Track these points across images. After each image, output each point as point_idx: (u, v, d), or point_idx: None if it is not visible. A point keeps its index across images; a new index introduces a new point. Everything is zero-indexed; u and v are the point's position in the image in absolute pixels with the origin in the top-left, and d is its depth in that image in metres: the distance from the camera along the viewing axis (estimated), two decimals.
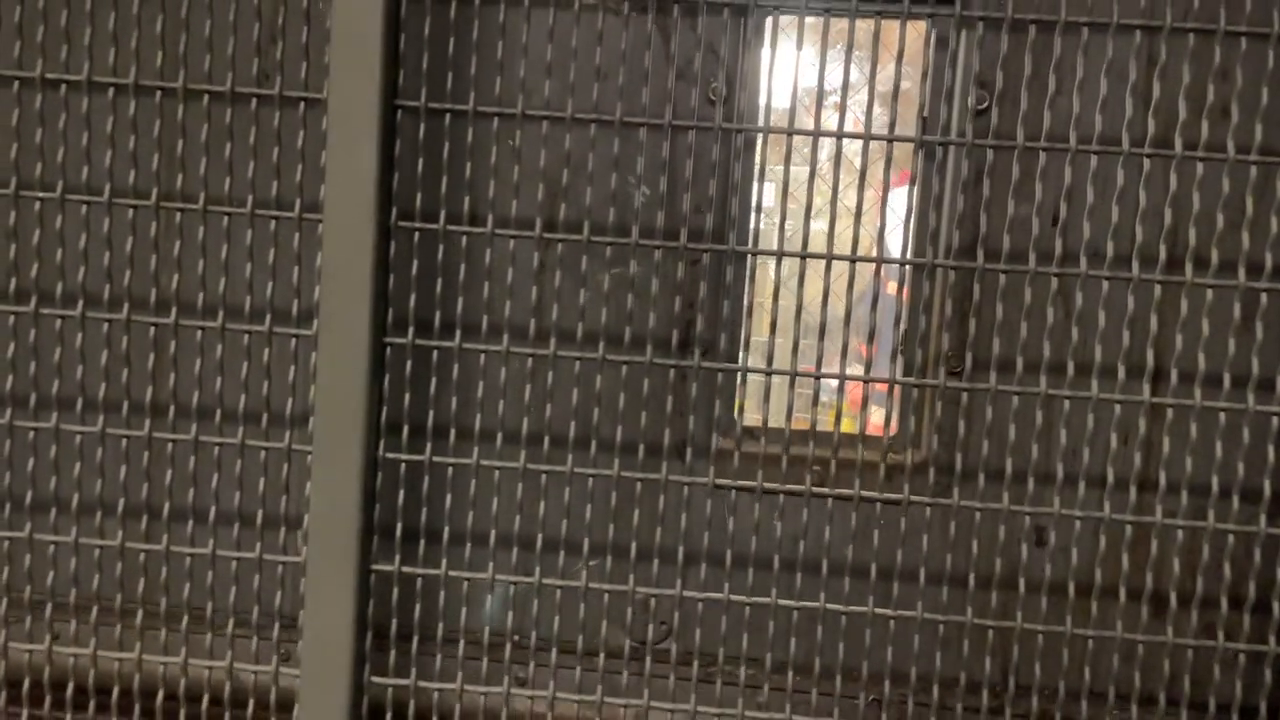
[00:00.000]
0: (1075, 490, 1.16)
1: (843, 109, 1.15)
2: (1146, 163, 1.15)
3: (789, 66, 1.16)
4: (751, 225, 1.35)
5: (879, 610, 1.16)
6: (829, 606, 1.17)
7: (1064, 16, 1.12)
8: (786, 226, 1.18)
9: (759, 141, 1.23)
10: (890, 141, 1.16)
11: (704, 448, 1.36)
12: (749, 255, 1.23)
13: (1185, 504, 1.15)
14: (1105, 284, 1.13)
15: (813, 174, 1.17)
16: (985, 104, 1.24)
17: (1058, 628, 1.15)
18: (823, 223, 1.20)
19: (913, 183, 1.27)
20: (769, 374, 1.19)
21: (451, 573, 1.22)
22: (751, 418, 1.39)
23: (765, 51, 1.27)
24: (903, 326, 1.24)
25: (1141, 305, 1.23)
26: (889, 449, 1.18)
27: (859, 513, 1.21)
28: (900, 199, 1.38)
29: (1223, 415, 1.13)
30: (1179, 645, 1.15)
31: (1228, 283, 1.11)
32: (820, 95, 1.18)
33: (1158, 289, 1.15)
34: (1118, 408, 1.15)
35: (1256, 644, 1.15)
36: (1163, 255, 1.13)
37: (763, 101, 1.26)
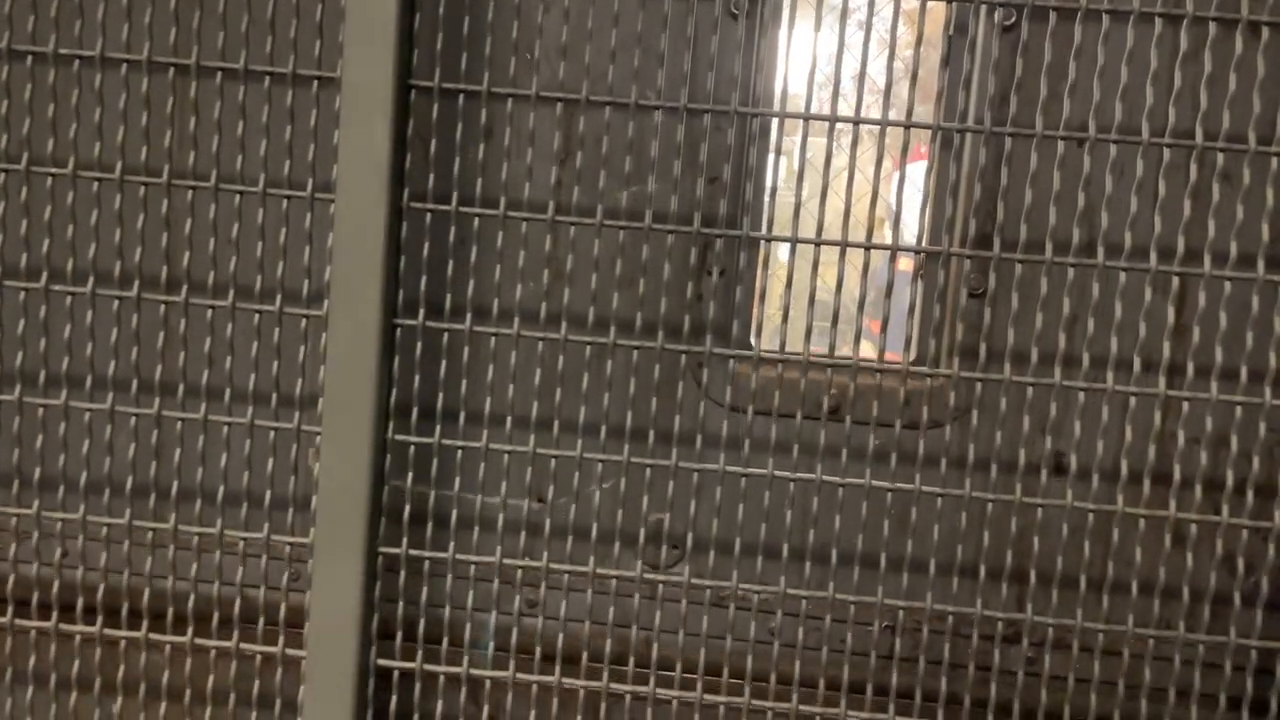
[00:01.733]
0: (1097, 416, 1.14)
1: (860, 93, 1.14)
2: (1166, 153, 1.14)
3: (806, 49, 1.15)
4: (765, 212, 1.34)
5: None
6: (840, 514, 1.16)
7: (1085, 4, 1.11)
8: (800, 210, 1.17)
9: (774, 126, 1.23)
10: (908, 128, 1.15)
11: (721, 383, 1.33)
12: (763, 241, 1.22)
13: (1209, 430, 1.14)
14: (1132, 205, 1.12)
15: (828, 161, 1.16)
16: (1012, 20, 1.22)
17: (1084, 506, 1.14)
18: (838, 203, 1.18)
19: (930, 163, 1.27)
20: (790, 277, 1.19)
21: (459, 556, 1.21)
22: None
23: (783, 33, 1.26)
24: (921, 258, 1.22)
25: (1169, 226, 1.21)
26: (908, 374, 1.17)
27: (876, 437, 1.20)
28: (919, 171, 1.36)
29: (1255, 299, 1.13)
30: (1198, 576, 1.15)
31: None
32: (838, 79, 1.17)
33: (1187, 208, 1.14)
34: (1141, 331, 1.13)
35: (1276, 570, 1.15)
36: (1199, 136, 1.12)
37: (779, 86, 1.24)
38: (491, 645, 1.31)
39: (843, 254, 1.16)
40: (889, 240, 1.17)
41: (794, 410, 1.19)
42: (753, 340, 1.30)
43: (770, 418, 1.20)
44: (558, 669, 1.20)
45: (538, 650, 1.27)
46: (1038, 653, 1.21)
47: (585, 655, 1.25)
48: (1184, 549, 1.17)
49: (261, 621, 1.25)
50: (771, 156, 1.24)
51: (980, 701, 1.19)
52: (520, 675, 1.20)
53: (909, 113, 1.14)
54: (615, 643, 1.23)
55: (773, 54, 1.27)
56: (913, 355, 1.31)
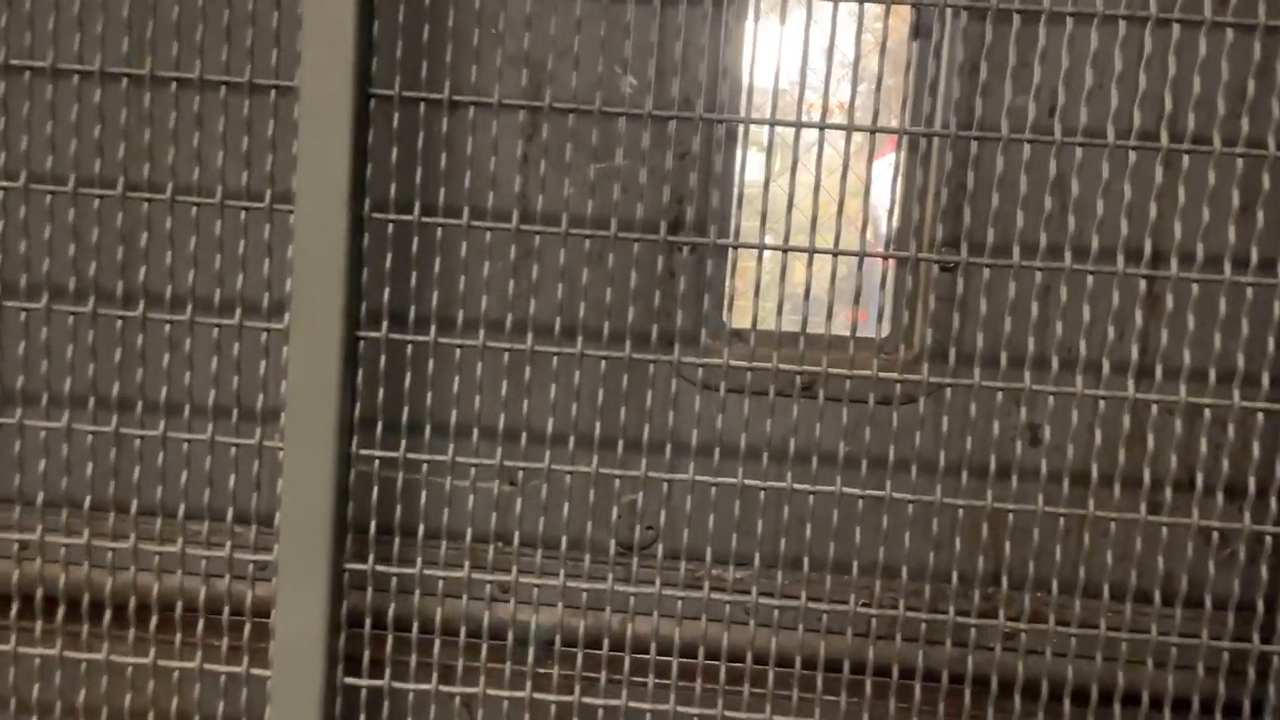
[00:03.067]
0: (1072, 385, 1.14)
1: (825, 100, 1.13)
2: (1132, 154, 1.14)
3: (771, 56, 1.14)
4: (734, 220, 1.33)
5: (859, 493, 1.15)
6: (811, 489, 1.15)
7: (1048, 6, 1.10)
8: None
9: (740, 132, 1.21)
10: (873, 133, 1.15)
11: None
12: (730, 248, 1.20)
13: (1183, 397, 1.14)
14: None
15: (794, 167, 1.15)
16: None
17: (1055, 510, 1.14)
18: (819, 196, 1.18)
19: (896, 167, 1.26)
20: (762, 249, 1.18)
21: (427, 572, 1.19)
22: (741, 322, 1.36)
23: (747, 40, 1.25)
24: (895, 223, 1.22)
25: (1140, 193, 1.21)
26: (881, 348, 1.16)
27: (850, 412, 1.20)
28: (886, 166, 1.36)
29: (1222, 301, 1.13)
30: (1174, 542, 1.15)
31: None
32: (803, 84, 1.16)
33: (1158, 175, 1.14)
34: (1115, 299, 1.13)
35: (1252, 542, 1.15)
36: (1164, 138, 1.12)
37: (744, 91, 1.23)
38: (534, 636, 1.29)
39: (810, 260, 1.15)
40: (868, 231, 1.16)
41: (767, 388, 1.18)
42: (725, 317, 1.30)
43: (743, 395, 1.19)
44: (530, 654, 1.19)
45: (510, 635, 1.25)
46: (1014, 626, 1.20)
47: (559, 640, 1.24)
48: (1158, 520, 1.16)
49: (225, 641, 1.23)
50: (740, 153, 1.23)
51: (958, 676, 1.18)
52: (492, 664, 1.19)
53: (874, 117, 1.14)
54: (589, 627, 1.21)
55: (739, 52, 1.26)
56: (886, 331, 1.31)
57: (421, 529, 1.20)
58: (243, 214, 1.18)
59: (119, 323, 1.19)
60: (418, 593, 1.21)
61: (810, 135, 1.19)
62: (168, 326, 1.19)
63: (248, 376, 1.19)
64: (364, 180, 1.13)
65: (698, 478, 1.18)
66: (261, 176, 1.16)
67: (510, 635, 1.23)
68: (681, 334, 1.21)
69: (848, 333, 1.18)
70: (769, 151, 1.17)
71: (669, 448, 1.18)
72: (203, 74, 1.15)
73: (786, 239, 1.19)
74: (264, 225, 1.17)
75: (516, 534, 1.20)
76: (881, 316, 1.21)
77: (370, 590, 1.19)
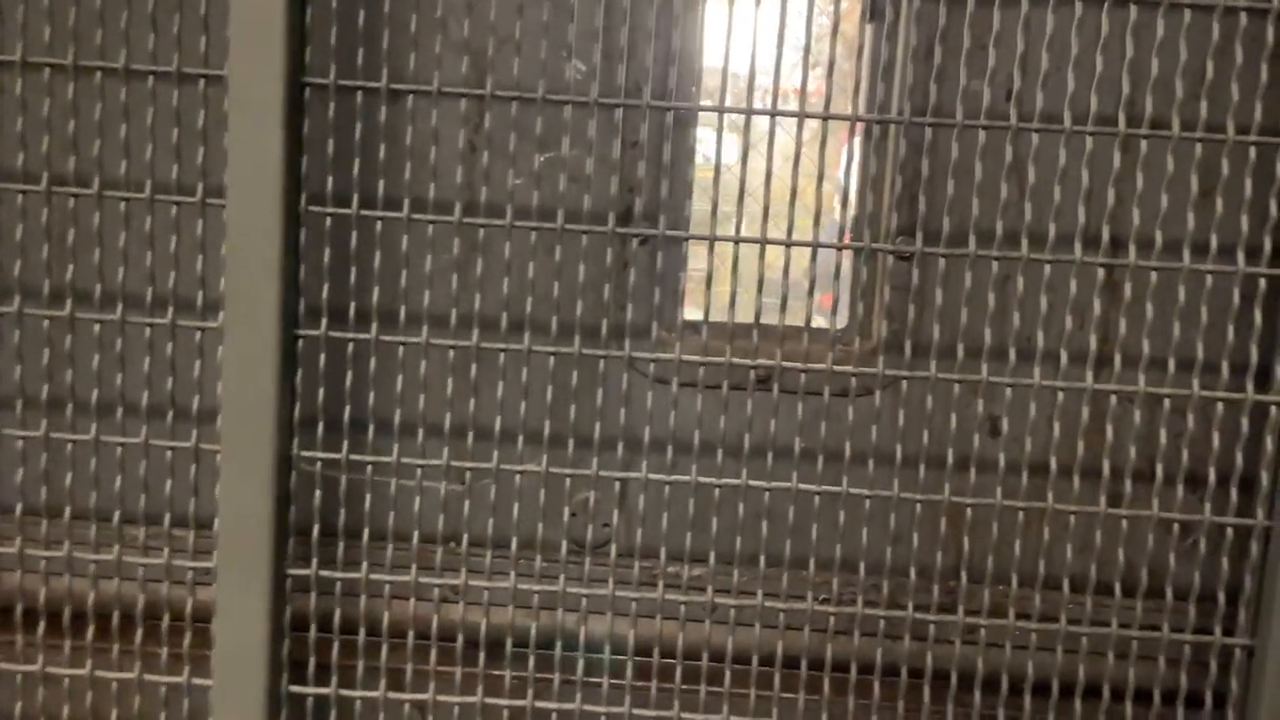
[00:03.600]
0: (1030, 375, 1.12)
1: (776, 85, 1.10)
2: (1089, 139, 1.11)
3: (721, 40, 1.11)
4: (688, 209, 1.29)
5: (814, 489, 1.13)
6: (769, 486, 1.13)
7: None
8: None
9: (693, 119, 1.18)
10: (826, 120, 1.11)
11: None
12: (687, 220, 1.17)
13: (1142, 386, 1.12)
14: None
15: (745, 155, 1.11)
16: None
17: (1014, 504, 1.13)
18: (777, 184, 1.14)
19: (849, 156, 1.23)
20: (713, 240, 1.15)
21: (373, 576, 1.16)
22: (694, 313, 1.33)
23: (696, 25, 1.21)
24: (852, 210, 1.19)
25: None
26: (838, 340, 1.14)
27: (806, 406, 1.17)
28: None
29: (1181, 288, 1.12)
30: (1134, 534, 1.14)
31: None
32: (753, 69, 1.13)
33: (1116, 160, 1.12)
34: (1073, 287, 1.11)
35: (1212, 532, 1.14)
36: (1121, 122, 1.10)
37: (694, 77, 1.20)
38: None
39: (762, 252, 1.12)
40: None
41: (720, 382, 1.14)
42: (677, 310, 1.27)
43: (696, 389, 1.16)
44: (481, 659, 1.16)
45: (460, 638, 1.21)
46: (974, 621, 1.18)
47: (510, 641, 1.21)
48: (1118, 514, 1.15)
49: (165, 649, 1.19)
50: (691, 140, 1.20)
51: (917, 672, 1.16)
52: (442, 667, 1.16)
53: (827, 104, 1.11)
54: (541, 628, 1.19)
55: (688, 37, 1.22)
56: (842, 323, 1.28)
57: (366, 532, 1.17)
58: (173, 209, 1.13)
59: (46, 322, 1.15)
60: (364, 596, 1.18)
61: (763, 122, 1.16)
62: (97, 326, 1.14)
63: (182, 377, 1.15)
64: (299, 173, 1.09)
65: (651, 475, 1.15)
66: (192, 170, 1.12)
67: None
68: (633, 328, 1.18)
69: (807, 324, 1.15)
70: (719, 139, 1.13)
71: (621, 445, 1.15)
72: (128, 63, 1.11)
73: (738, 229, 1.16)
74: (196, 220, 1.12)
75: (465, 535, 1.17)
76: (837, 307, 1.18)
77: (314, 594, 1.16)
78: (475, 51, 1.17)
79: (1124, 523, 1.14)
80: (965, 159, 1.14)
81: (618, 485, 1.19)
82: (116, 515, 1.16)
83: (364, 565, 1.16)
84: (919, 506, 1.15)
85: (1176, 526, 1.14)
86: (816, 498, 1.14)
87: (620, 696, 1.18)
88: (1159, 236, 1.11)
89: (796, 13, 1.12)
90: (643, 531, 1.21)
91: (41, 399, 1.17)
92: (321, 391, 1.14)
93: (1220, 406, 1.13)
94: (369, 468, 1.16)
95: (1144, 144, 1.11)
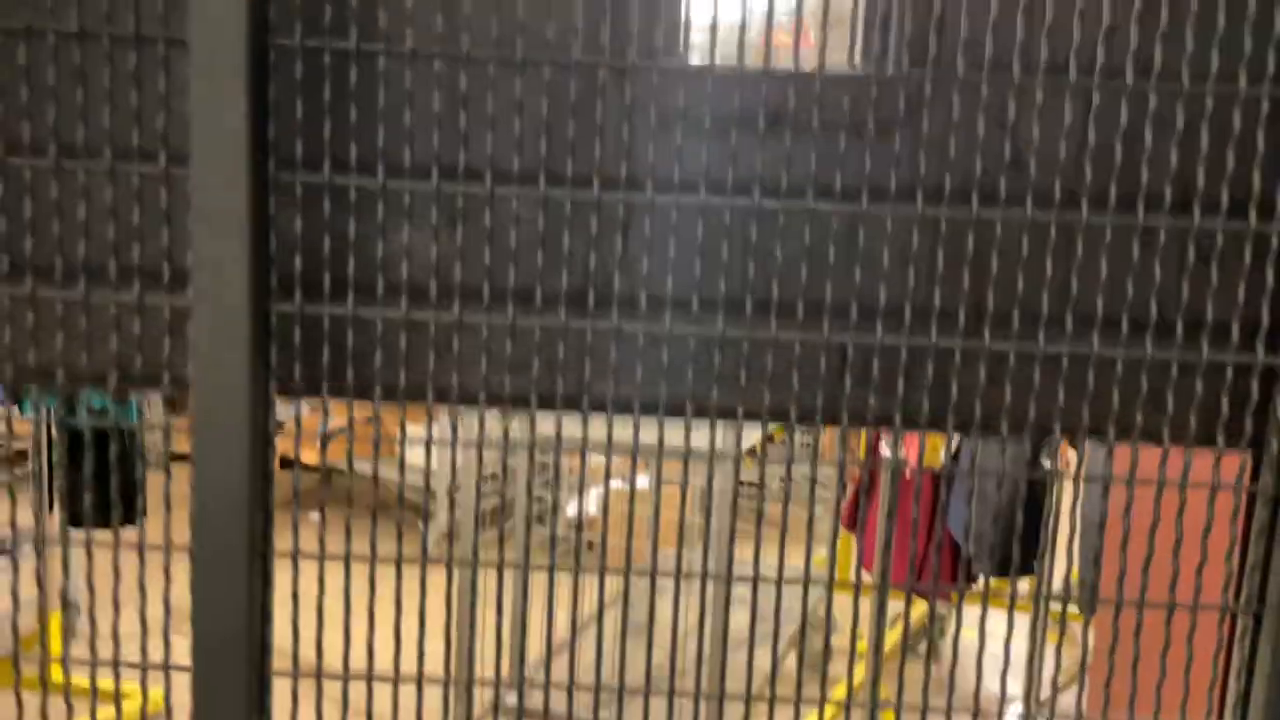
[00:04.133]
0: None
1: (767, 41, 1.04)
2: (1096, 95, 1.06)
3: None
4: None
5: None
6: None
7: None
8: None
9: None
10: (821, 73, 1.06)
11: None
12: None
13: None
14: None
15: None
16: None
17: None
18: None
19: None
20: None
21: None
22: None
23: None
24: None
25: None
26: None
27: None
28: None
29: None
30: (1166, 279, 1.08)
31: None
32: (744, 24, 1.07)
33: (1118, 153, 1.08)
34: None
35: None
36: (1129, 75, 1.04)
37: (681, 30, 1.14)
38: None
39: None
40: None
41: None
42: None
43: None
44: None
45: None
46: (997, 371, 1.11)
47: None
48: (1153, 252, 1.09)
49: None
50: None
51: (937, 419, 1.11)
52: None
53: (795, 60, 1.05)
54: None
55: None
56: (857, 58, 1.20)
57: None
58: (135, 178, 1.08)
59: (7, 299, 1.10)
60: None
61: None
62: (59, 304, 1.09)
63: (150, 356, 1.10)
64: (266, 139, 1.04)
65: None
66: (154, 137, 1.06)
67: None
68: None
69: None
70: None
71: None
72: (82, 25, 1.05)
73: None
74: (160, 190, 1.07)
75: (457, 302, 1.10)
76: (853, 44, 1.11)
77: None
78: (449, 8, 1.11)
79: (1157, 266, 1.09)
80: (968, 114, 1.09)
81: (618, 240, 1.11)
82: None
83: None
84: (941, 255, 1.08)
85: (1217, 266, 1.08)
86: (831, 250, 1.07)
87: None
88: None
89: None
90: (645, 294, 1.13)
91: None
92: (298, 368, 1.09)
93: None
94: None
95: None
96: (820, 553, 4.52)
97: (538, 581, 2.92)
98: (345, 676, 1.12)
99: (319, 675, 1.12)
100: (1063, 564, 2.46)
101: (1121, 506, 1.10)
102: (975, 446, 2.04)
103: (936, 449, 2.22)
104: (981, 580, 3.26)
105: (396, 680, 1.12)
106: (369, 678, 1.12)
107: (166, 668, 1.13)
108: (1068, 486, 2.73)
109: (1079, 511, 1.16)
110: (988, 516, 1.99)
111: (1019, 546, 1.11)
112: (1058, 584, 3.33)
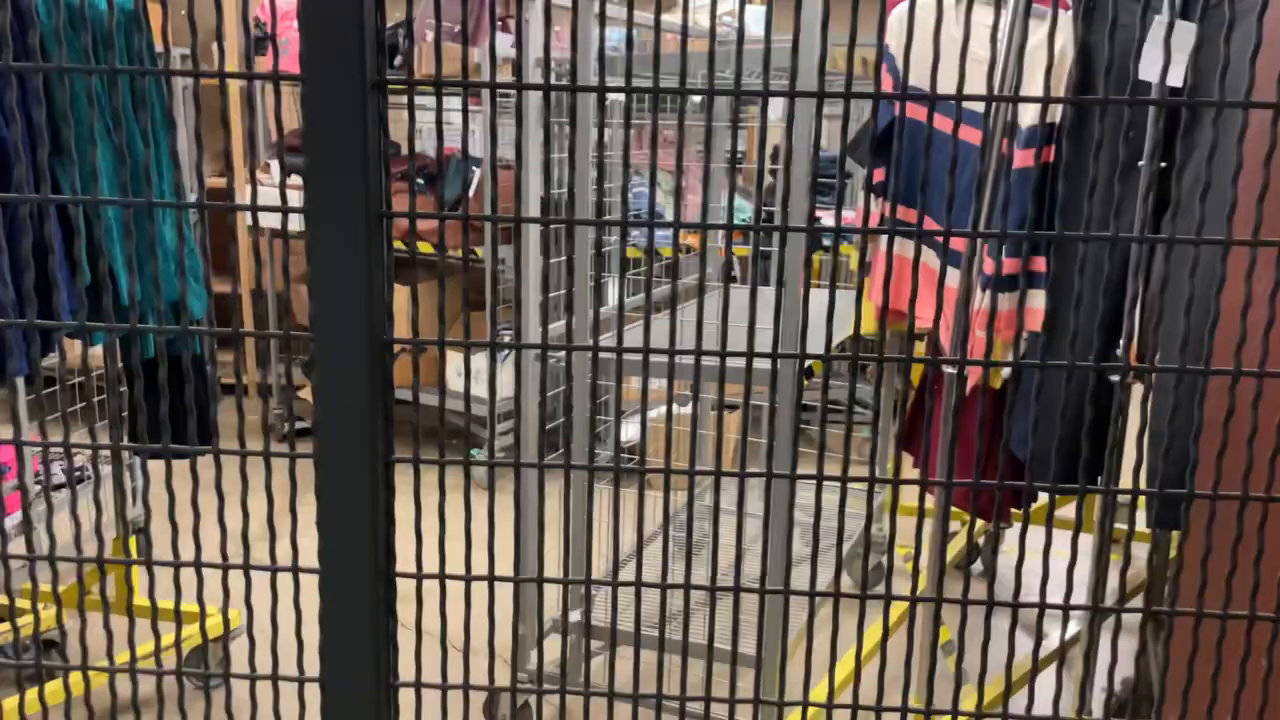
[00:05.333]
0: None
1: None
2: None
3: None
4: None
5: None
6: None
7: None
8: None
9: None
10: None
11: None
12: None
13: None
14: None
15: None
16: None
17: None
18: None
19: None
20: None
21: None
22: None
23: None
24: None
25: None
26: None
27: None
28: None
29: None
30: None
31: None
32: None
33: None
34: None
35: None
36: None
37: None
38: None
39: None
40: None
41: None
42: None
43: None
44: None
45: None
46: None
47: None
48: None
49: None
50: None
51: None
52: None
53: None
54: None
55: None
56: None
57: None
58: None
59: None
60: None
61: None
62: None
63: None
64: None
65: None
66: None
67: None
68: None
69: None
70: None
71: None
72: None
73: None
74: None
75: None
76: None
77: None
78: None
79: None
80: None
81: None
82: None
83: None
84: None
85: None
86: None
87: None
88: None
89: None
90: None
91: None
92: None
93: None
94: None
95: None
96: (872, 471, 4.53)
97: (602, 500, 2.97)
98: (467, 578, 1.11)
99: (442, 578, 1.12)
100: (1128, 476, 2.45)
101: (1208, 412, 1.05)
102: (1041, 352, 2.02)
103: (997, 373, 2.20)
104: (1043, 497, 3.25)
105: (491, 581, 1.14)
106: (490, 579, 1.12)
107: (291, 568, 1.17)
108: (1135, 392, 2.70)
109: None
110: (1054, 427, 1.98)
111: (1087, 447, 1.10)
112: (1122, 502, 3.31)
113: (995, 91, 1.62)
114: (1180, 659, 1.08)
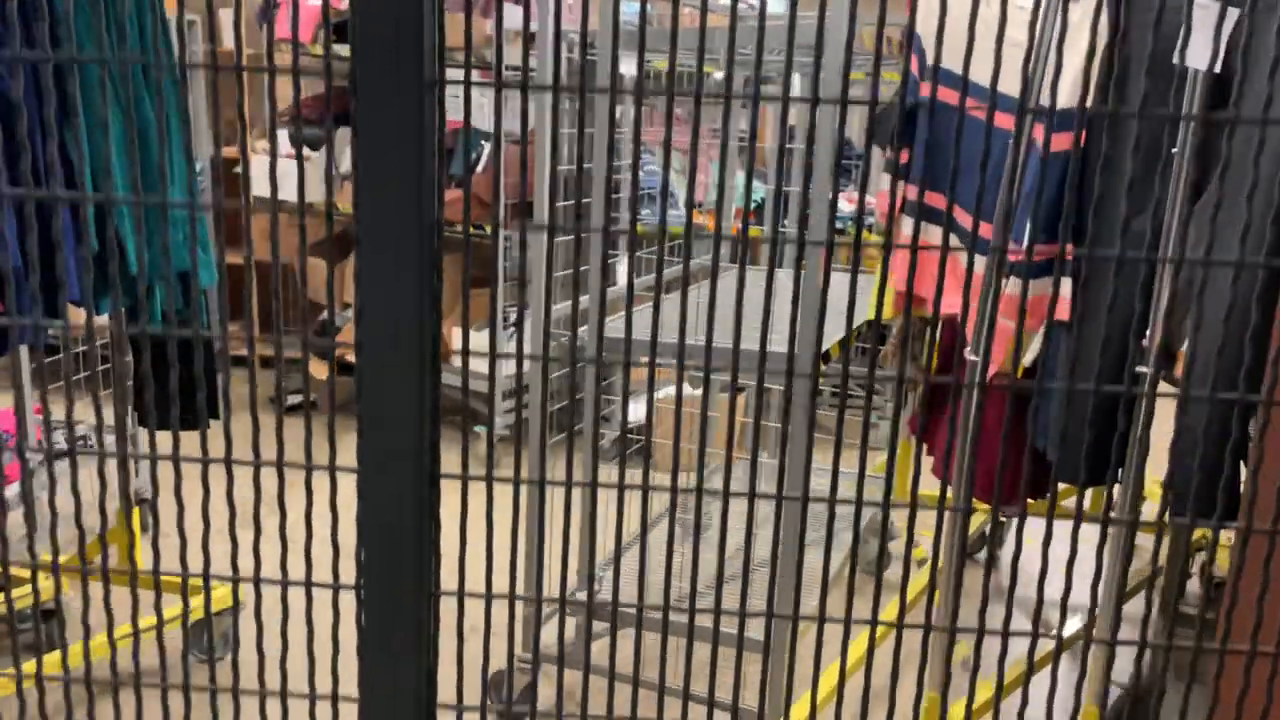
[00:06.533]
0: None
1: None
2: None
3: None
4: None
5: None
6: None
7: None
8: None
9: None
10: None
11: None
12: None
13: None
14: None
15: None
16: None
17: None
18: None
19: None
20: None
21: None
22: None
23: None
24: None
25: None
26: None
27: None
28: None
29: None
30: None
31: None
32: None
33: None
34: None
35: None
36: None
37: None
38: None
39: None
40: None
41: None
42: None
43: None
44: None
45: None
46: None
47: None
48: None
49: None
50: None
51: None
52: None
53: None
54: None
55: None
56: None
57: None
58: None
59: None
60: None
61: None
62: None
63: None
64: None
65: None
66: None
67: None
68: None
69: None
70: None
71: None
72: None
73: None
74: None
75: None
76: None
77: None
78: None
79: None
80: None
81: None
82: None
83: None
84: None
85: None
86: None
87: None
88: None
89: None
90: None
91: None
92: None
93: None
94: None
95: None
96: (883, 461, 4.49)
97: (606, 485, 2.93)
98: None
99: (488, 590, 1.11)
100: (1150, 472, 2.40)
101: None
102: (1072, 344, 1.98)
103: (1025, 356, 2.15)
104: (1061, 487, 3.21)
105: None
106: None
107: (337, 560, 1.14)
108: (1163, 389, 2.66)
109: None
110: (1082, 420, 1.94)
111: (1115, 447, 1.08)
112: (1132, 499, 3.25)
113: (1031, 77, 1.57)
114: (1230, 695, 1.04)
